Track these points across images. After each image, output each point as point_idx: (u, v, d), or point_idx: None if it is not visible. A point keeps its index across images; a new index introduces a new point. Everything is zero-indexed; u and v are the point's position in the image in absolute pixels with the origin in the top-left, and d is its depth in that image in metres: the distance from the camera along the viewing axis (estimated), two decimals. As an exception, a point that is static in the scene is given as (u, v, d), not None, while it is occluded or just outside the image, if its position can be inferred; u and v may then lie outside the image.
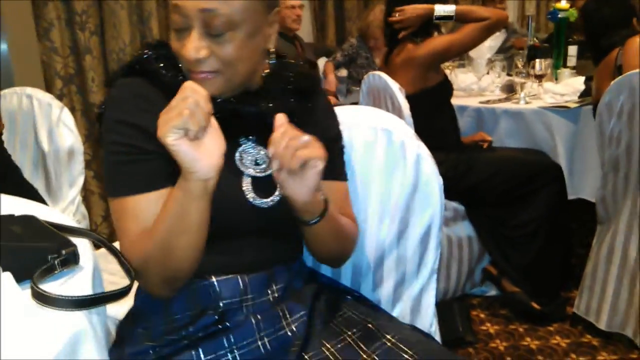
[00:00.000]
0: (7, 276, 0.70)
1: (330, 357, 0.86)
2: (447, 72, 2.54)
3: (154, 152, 0.85)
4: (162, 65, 0.90)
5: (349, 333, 0.91)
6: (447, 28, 2.90)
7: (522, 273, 2.15)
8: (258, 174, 0.91)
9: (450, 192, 1.14)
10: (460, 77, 2.77)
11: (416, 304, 1.09)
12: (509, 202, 2.15)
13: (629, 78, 1.75)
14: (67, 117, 1.68)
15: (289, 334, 0.89)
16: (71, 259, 0.75)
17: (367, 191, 1.10)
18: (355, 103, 2.90)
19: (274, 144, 0.81)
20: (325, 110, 1.03)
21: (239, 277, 0.91)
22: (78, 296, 0.67)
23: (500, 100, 2.53)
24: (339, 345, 0.88)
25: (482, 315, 2.19)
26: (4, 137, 1.61)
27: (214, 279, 0.90)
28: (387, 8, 2.30)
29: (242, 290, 0.91)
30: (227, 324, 0.88)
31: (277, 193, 0.91)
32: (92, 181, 2.70)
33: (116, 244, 0.87)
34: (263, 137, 0.88)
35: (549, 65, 2.58)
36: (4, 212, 0.83)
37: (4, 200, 1.02)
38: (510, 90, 2.68)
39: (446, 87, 2.31)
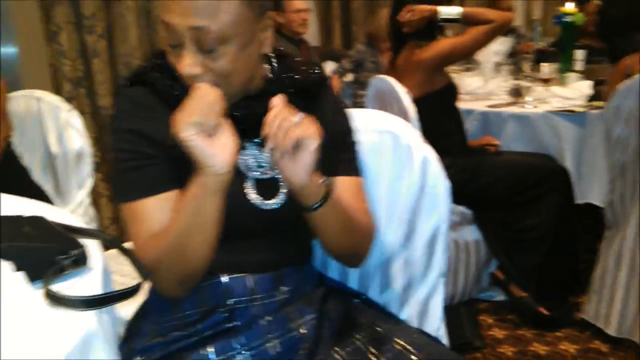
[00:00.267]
0: (20, 276, 0.71)
1: (340, 360, 0.86)
2: (454, 75, 2.54)
3: (158, 157, 0.88)
4: (159, 76, 0.91)
5: (358, 337, 0.91)
6: (454, 31, 2.89)
7: (529, 277, 2.13)
8: (262, 176, 0.92)
9: (457, 196, 1.13)
10: (467, 81, 2.76)
11: (424, 308, 1.09)
12: (516, 206, 2.14)
13: (637, 82, 1.75)
14: (76, 119, 1.69)
15: (298, 336, 0.89)
16: (80, 260, 0.75)
17: (374, 194, 1.10)
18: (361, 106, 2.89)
19: (267, 125, 0.81)
20: (334, 106, 1.02)
21: (247, 276, 0.92)
22: (88, 296, 0.68)
23: (507, 104, 2.52)
24: (348, 349, 0.89)
25: (489, 320, 2.18)
26: (13, 140, 1.62)
27: (223, 278, 0.91)
28: (395, 8, 2.29)
29: (250, 290, 0.92)
30: (237, 322, 0.89)
31: (282, 195, 0.92)
32: (100, 184, 2.70)
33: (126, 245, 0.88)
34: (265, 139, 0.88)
35: (555, 69, 2.57)
36: (13, 213, 0.84)
37: (13, 201, 1.02)
38: (517, 94, 2.66)
39: (452, 91, 2.30)
